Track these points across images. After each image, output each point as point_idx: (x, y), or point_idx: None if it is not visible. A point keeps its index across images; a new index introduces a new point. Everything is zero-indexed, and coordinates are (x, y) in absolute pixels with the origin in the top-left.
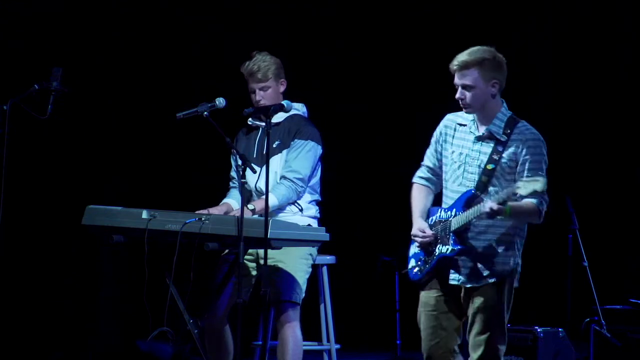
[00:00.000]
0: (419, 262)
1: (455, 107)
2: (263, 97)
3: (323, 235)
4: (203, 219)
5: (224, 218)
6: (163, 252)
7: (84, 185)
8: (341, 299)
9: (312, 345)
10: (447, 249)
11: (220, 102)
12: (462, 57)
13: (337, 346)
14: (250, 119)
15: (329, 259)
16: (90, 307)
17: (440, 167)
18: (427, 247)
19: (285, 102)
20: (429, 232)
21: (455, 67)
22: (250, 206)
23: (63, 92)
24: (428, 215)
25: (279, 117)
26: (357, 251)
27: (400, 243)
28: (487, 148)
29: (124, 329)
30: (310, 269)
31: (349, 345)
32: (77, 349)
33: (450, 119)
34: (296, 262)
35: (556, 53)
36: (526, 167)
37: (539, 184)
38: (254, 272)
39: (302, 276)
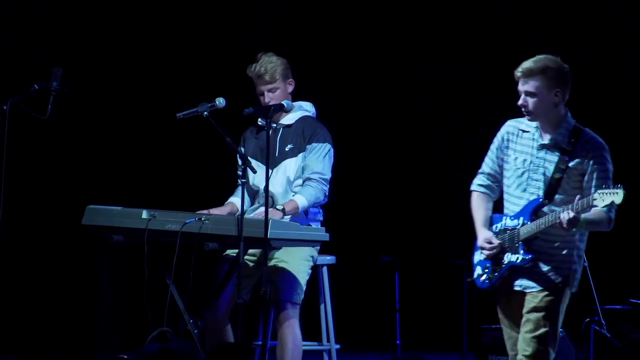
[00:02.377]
0: (486, 271)
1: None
2: (272, 98)
3: (323, 235)
4: (203, 218)
5: (224, 218)
6: (163, 252)
7: (84, 185)
8: (341, 299)
9: (312, 345)
10: (518, 258)
11: (220, 102)
12: (527, 64)
13: (337, 346)
14: (259, 119)
15: (329, 259)
16: (90, 307)
17: (501, 174)
18: (495, 256)
19: (285, 102)
20: (495, 242)
21: (519, 74)
22: (279, 206)
23: (63, 92)
24: (491, 222)
25: (289, 119)
26: (357, 251)
27: (401, 243)
28: (553, 157)
29: (124, 329)
30: (310, 271)
31: (349, 345)
32: (77, 348)
33: (512, 125)
34: (298, 263)
35: (556, 51)
36: (594, 177)
37: (617, 197)
38: (254, 272)
39: (303, 277)
